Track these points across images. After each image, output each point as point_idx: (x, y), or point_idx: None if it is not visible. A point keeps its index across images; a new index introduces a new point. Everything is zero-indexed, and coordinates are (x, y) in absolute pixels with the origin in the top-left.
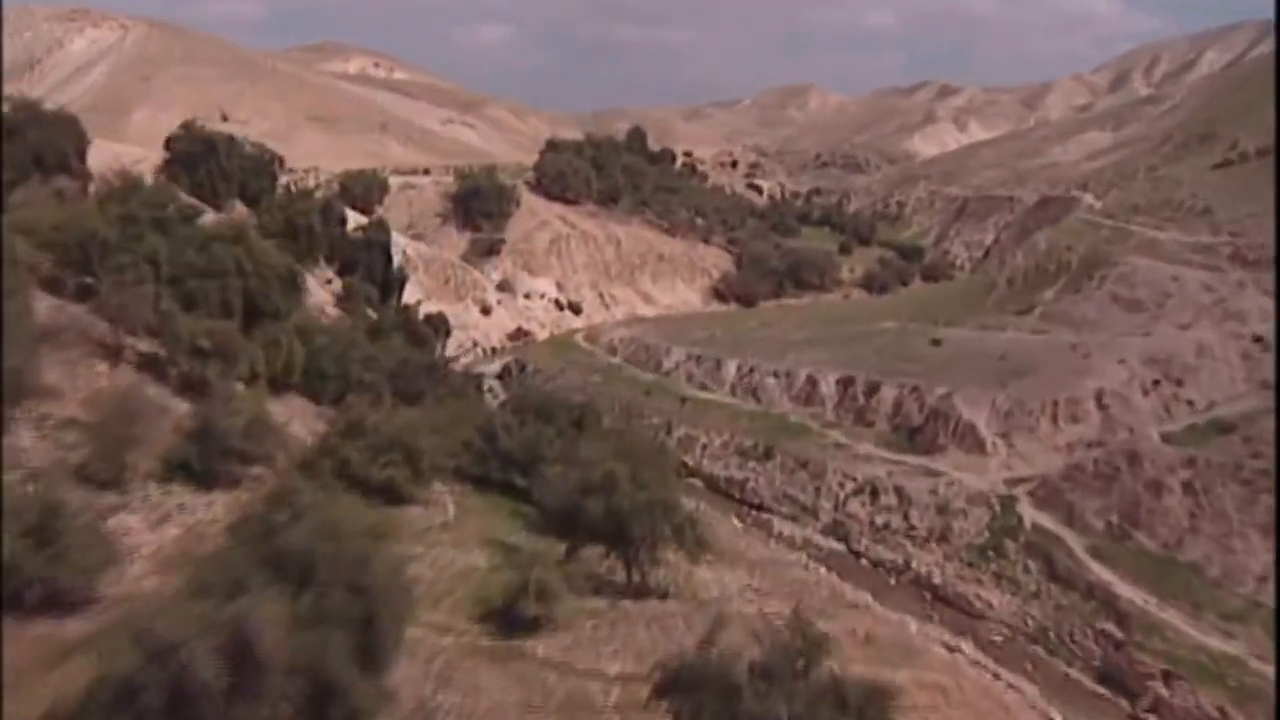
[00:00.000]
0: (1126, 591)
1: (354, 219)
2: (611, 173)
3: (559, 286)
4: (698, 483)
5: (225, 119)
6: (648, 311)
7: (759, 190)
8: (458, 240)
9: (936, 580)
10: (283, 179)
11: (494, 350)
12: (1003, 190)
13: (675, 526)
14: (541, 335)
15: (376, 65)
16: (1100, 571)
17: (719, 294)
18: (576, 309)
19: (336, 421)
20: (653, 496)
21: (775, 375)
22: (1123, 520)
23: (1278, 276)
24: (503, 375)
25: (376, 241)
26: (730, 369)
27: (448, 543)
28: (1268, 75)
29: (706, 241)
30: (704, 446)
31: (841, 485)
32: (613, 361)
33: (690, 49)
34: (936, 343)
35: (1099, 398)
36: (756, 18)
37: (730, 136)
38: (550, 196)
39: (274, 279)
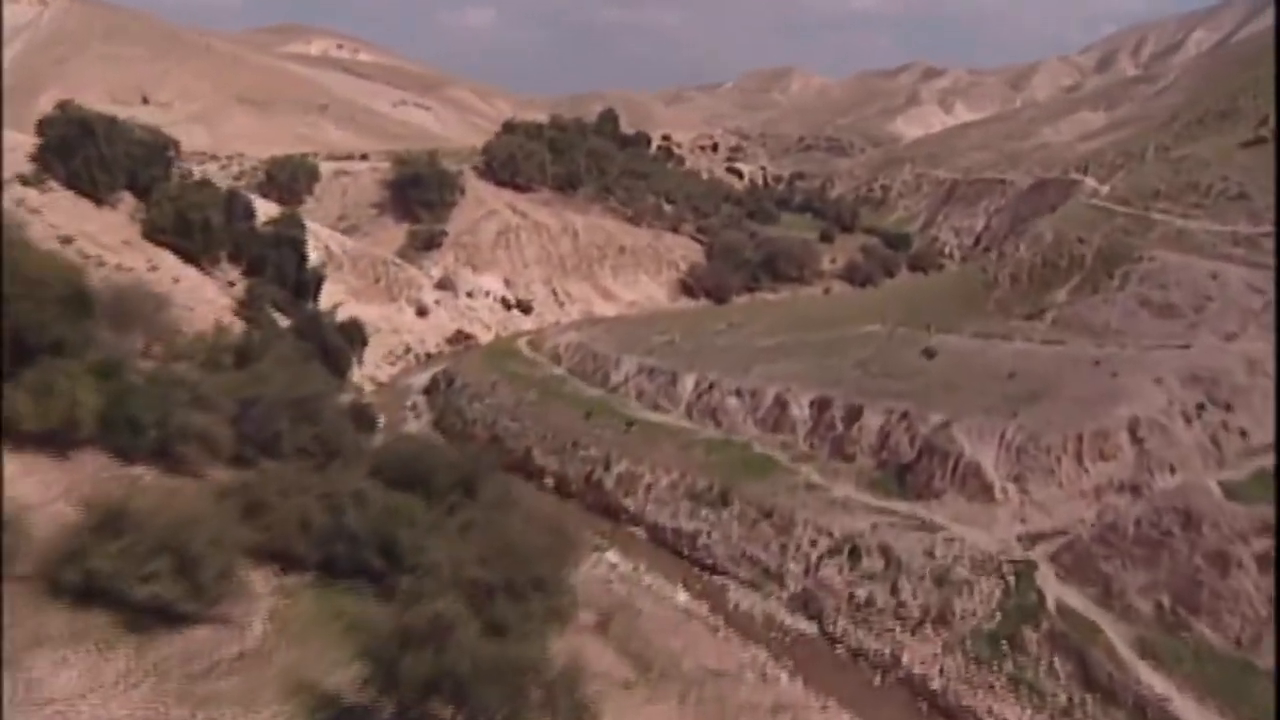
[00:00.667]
0: (1190, 711)
1: (265, 211)
2: (573, 157)
3: (507, 283)
4: (640, 533)
5: (146, 101)
6: (607, 309)
7: (739, 175)
8: (395, 233)
9: (934, 684)
10: (197, 167)
11: (428, 356)
12: (993, 173)
13: (546, 689)
14: (486, 338)
15: (340, 46)
16: (1152, 678)
17: (687, 288)
18: (526, 308)
19: (88, 513)
20: (505, 654)
21: (738, 394)
22: (1177, 603)
23: (1277, 270)
24: (430, 390)
25: (288, 237)
26: (687, 385)
27: (230, 695)
28: None
29: (675, 231)
30: (649, 487)
31: (814, 543)
32: (555, 373)
33: (681, 32)
34: (930, 354)
35: (1133, 429)
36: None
37: (711, 120)
38: (500, 183)
39: (51, 301)
